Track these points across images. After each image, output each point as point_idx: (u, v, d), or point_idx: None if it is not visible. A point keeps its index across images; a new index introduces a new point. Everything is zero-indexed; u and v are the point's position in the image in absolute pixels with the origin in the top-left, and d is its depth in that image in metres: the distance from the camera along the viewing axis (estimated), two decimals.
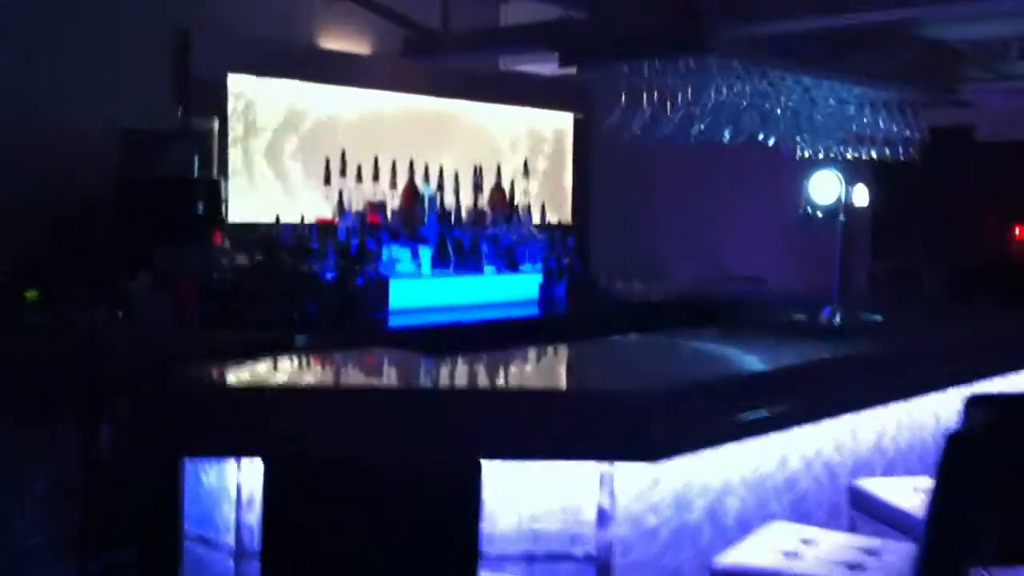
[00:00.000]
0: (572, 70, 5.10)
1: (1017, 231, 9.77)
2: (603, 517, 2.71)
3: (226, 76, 4.64)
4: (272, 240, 4.53)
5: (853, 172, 4.13)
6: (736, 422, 2.86)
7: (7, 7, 4.06)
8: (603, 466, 2.69)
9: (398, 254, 4.86)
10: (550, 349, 3.54)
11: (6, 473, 3.49)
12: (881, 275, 9.37)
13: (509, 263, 5.31)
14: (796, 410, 3.04)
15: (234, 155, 4.71)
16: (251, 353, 3.42)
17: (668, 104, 3.68)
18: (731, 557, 2.70)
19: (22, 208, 4.07)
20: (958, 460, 2.30)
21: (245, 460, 2.67)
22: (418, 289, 4.87)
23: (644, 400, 2.68)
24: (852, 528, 3.31)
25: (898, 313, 4.51)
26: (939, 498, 2.31)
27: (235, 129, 4.72)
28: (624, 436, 2.60)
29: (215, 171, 4.26)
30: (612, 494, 2.72)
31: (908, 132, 4.32)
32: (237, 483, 2.70)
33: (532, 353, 3.46)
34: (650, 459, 2.64)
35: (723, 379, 3.04)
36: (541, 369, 3.37)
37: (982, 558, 2.89)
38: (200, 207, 4.14)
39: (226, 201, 4.35)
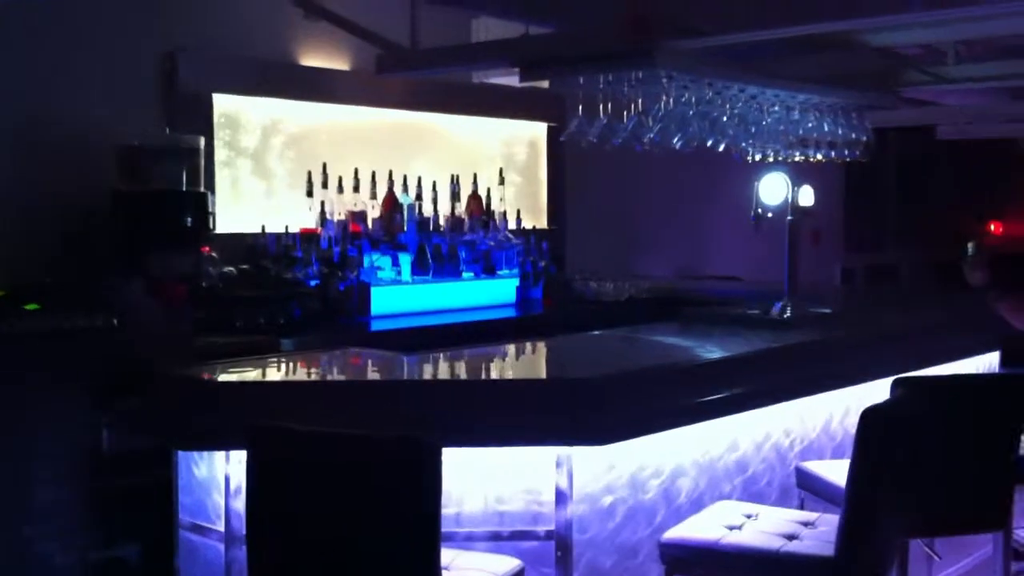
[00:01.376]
0: (542, 83, 5.37)
1: (992, 227, 10.04)
2: (561, 497, 2.96)
3: (211, 95, 4.89)
4: (258, 249, 4.80)
5: (805, 173, 4.38)
6: (683, 407, 3.11)
7: (9, 31, 4.30)
8: (560, 450, 2.94)
9: (379, 261, 5.11)
10: (515, 345, 3.79)
11: (13, 471, 3.73)
12: (858, 270, 9.64)
13: (486, 268, 5.55)
14: (741, 395, 3.29)
15: (220, 169, 4.96)
16: (239, 356, 3.68)
17: (623, 114, 3.93)
18: (677, 532, 2.95)
19: (22, 223, 4.32)
20: (871, 433, 2.55)
21: (233, 452, 2.91)
22: (399, 295, 5.12)
23: (595, 387, 2.93)
24: (802, 507, 3.56)
25: (851, 305, 4.77)
26: (855, 469, 2.56)
27: (220, 144, 4.97)
28: (576, 422, 2.84)
29: (202, 184, 4.50)
30: (570, 476, 2.96)
31: (853, 135, 4.57)
32: (226, 473, 2.94)
33: (499, 348, 3.72)
34: (601, 443, 2.89)
35: (673, 367, 3.29)
36: (504, 362, 3.62)
37: (914, 530, 3.16)
38: (188, 219, 4.39)
39: (213, 213, 4.60)
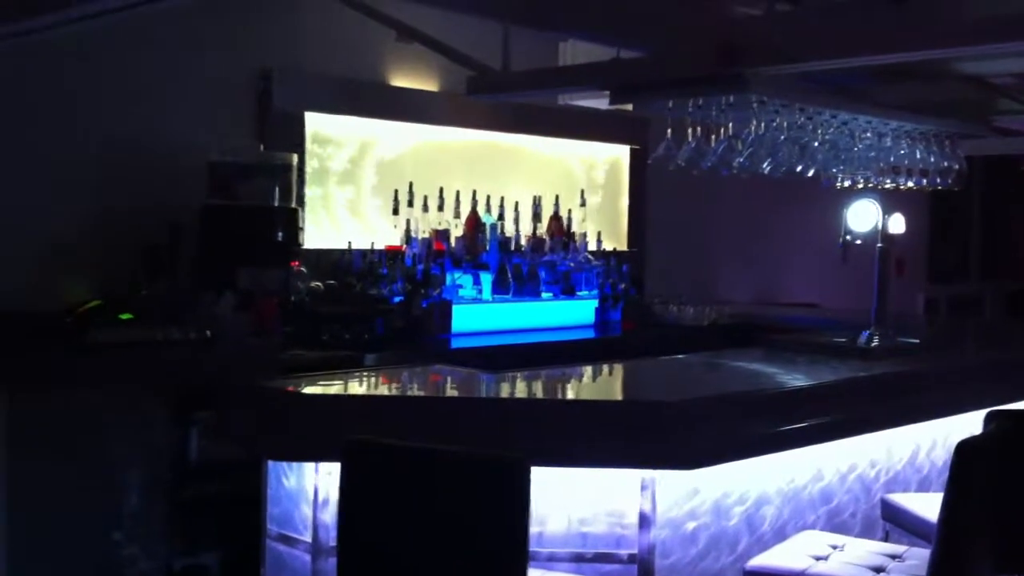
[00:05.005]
0: (626, 106, 5.37)
1: None
2: (645, 521, 2.95)
3: (303, 113, 5.00)
4: (343, 265, 4.88)
5: (891, 201, 4.32)
6: (771, 434, 3.09)
7: (106, 48, 4.44)
8: (645, 473, 2.94)
9: (461, 280, 5.16)
10: (599, 366, 3.80)
11: (103, 477, 3.83)
12: (940, 299, 9.47)
13: (566, 289, 5.57)
14: (829, 425, 3.26)
15: (310, 186, 5.06)
16: (325, 370, 3.74)
17: (712, 138, 3.93)
18: (762, 560, 2.92)
19: (115, 235, 4.45)
20: (965, 467, 2.51)
21: (322, 464, 2.96)
22: (479, 313, 5.15)
23: (683, 411, 2.92)
24: (886, 539, 3.50)
25: (939, 336, 4.69)
26: (948, 503, 2.52)
27: (311, 162, 5.08)
28: (662, 446, 2.84)
29: (292, 201, 4.60)
30: (654, 500, 2.96)
31: (945, 163, 4.51)
32: (315, 485, 2.99)
33: (582, 369, 3.73)
34: (687, 467, 2.89)
35: (760, 394, 3.26)
36: (589, 383, 3.63)
37: (1007, 567, 3.09)
38: (280, 234, 4.48)
39: (302, 229, 4.69)
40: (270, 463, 3.16)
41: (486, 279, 5.23)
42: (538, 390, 3.40)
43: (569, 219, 5.74)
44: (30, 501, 3.75)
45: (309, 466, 3.00)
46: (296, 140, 4.92)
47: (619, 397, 3.53)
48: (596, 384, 3.64)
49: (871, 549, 3.04)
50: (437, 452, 2.42)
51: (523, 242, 5.50)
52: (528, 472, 2.33)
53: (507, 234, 5.44)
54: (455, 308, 5.02)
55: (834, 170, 4.18)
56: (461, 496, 2.39)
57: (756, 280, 7.55)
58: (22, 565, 3.80)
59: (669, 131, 4.02)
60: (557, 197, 5.73)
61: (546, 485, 2.89)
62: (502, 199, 5.48)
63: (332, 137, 5.19)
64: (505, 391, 3.28)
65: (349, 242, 4.93)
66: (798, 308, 6.68)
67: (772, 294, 7.58)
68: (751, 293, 7.43)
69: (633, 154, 6.47)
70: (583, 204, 5.86)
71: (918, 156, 4.47)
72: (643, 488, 2.93)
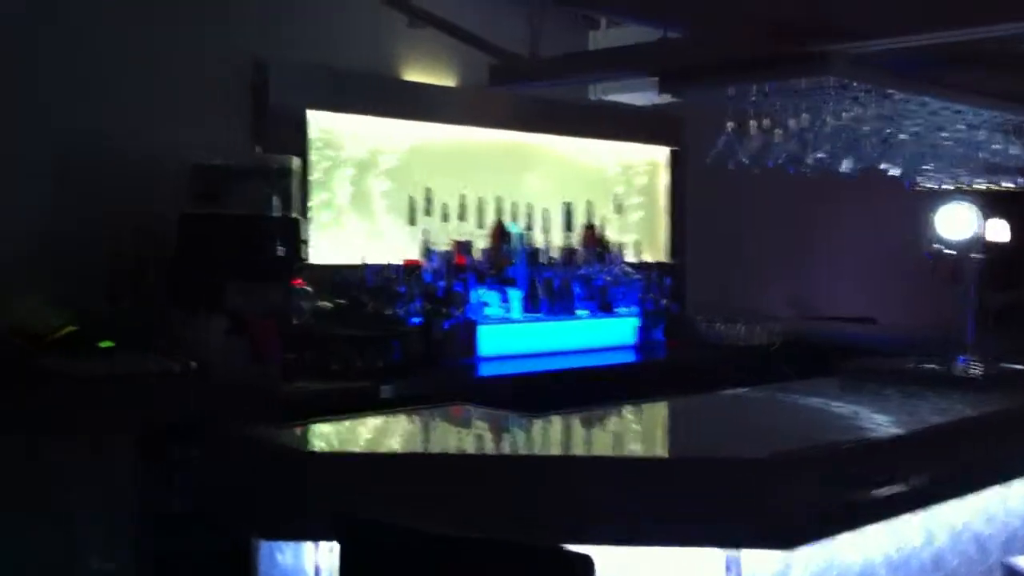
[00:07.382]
0: (665, 100, 4.79)
1: None
2: None
3: (305, 111, 4.43)
4: (355, 282, 4.31)
5: (989, 205, 3.74)
6: (882, 497, 2.50)
7: (69, 34, 3.89)
8: (730, 549, 2.35)
9: (486, 297, 4.64)
10: (654, 407, 3.19)
11: (61, 534, 3.29)
12: (993, 309, 8.84)
13: (603, 305, 5.03)
14: (950, 480, 2.68)
15: (316, 193, 4.49)
16: (334, 406, 3.17)
17: (778, 131, 3.35)
18: None
19: (84, 249, 3.89)
20: None
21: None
22: (507, 334, 4.63)
23: (772, 470, 2.33)
24: None
25: None
26: None
27: (316, 166, 4.50)
28: (753, 515, 2.26)
29: (294, 210, 4.03)
30: None
31: None
32: (315, 564, 2.42)
33: (635, 410, 3.11)
34: (786, 546, 2.30)
35: (860, 444, 2.66)
36: (648, 430, 3.04)
37: None
38: (279, 248, 3.92)
39: (306, 242, 4.13)
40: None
41: (514, 296, 4.72)
42: (588, 441, 2.81)
43: (603, 227, 5.18)
44: None
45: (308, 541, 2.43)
46: (297, 142, 4.34)
47: (693, 452, 2.89)
48: (658, 432, 3.05)
49: None
50: (471, 542, 1.84)
51: (554, 254, 4.97)
52: (593, 571, 1.75)
53: (536, 245, 4.92)
54: (480, 329, 4.50)
55: (924, 167, 3.58)
56: None
57: (800, 291, 6.95)
58: None
59: (729, 124, 3.43)
60: (589, 203, 5.16)
61: (605, 564, 2.30)
62: (529, 206, 4.93)
63: (337, 138, 4.61)
64: (552, 443, 2.70)
65: (362, 256, 4.35)
66: (853, 323, 6.06)
67: (817, 306, 6.98)
68: (795, 305, 6.84)
69: (672, 155, 5.87)
70: (618, 211, 5.29)
71: (1011, 152, 3.87)
72: (728, 569, 2.34)
